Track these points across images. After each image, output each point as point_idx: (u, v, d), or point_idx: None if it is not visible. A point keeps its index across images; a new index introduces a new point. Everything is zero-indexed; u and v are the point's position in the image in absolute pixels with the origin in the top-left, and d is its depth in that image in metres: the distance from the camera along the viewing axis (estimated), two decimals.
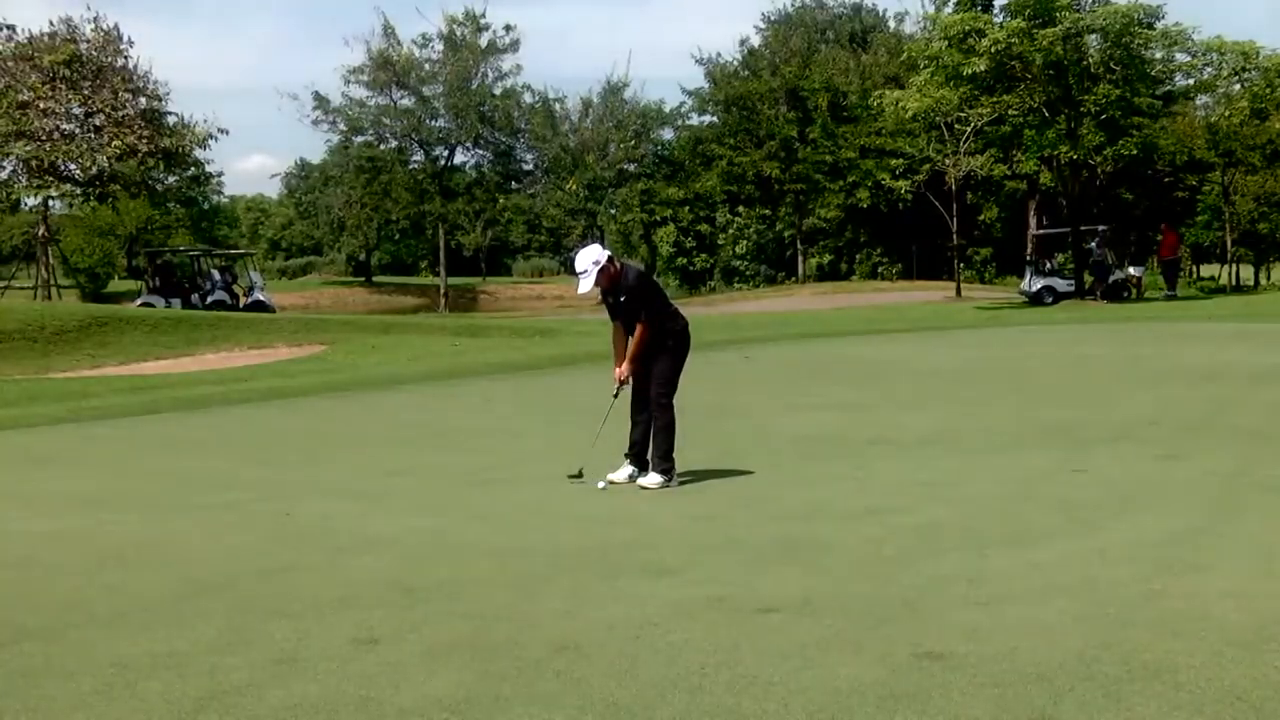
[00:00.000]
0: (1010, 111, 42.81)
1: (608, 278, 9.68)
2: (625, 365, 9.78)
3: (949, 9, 43.66)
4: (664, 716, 4.70)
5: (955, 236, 53.69)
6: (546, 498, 9.43)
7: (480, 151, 74.42)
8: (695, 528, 8.24)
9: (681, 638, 5.68)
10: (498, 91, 72.16)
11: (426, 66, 71.14)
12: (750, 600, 6.27)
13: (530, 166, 77.40)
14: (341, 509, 9.17)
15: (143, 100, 61.86)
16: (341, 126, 72.99)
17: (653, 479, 9.63)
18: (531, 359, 22.71)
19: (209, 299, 43.26)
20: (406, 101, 71.39)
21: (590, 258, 9.64)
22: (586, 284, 9.67)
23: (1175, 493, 9.03)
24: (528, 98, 74.39)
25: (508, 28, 71.08)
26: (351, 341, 27.77)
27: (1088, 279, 41.85)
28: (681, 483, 9.72)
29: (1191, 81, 49.44)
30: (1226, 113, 55.97)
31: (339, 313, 54.66)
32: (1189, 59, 44.41)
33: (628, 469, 9.80)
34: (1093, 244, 42.55)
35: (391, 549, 7.73)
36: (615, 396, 9.91)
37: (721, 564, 7.13)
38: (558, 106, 75.88)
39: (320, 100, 71.16)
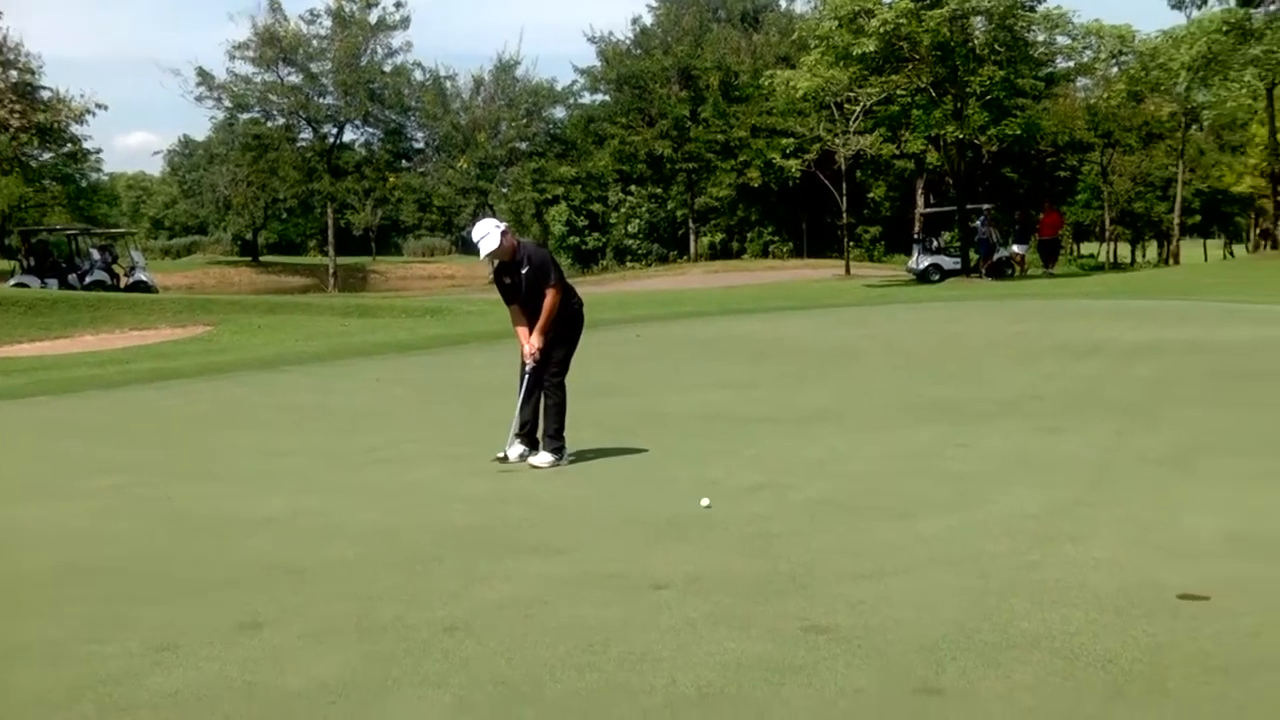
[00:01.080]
0: (898, 91, 43.30)
1: (508, 251, 9.60)
2: (536, 337, 9.65)
3: None
4: (553, 694, 4.70)
5: (845, 215, 54.25)
6: (436, 478, 9.36)
7: (370, 129, 73.69)
8: (586, 506, 8.24)
9: (571, 615, 5.68)
10: (387, 69, 71.47)
11: (314, 43, 70.16)
12: (640, 577, 6.28)
13: (421, 145, 76.85)
14: (225, 491, 9.02)
15: (13, 74, 60.23)
16: (227, 103, 71.80)
17: (544, 458, 9.60)
18: (422, 339, 22.53)
19: (87, 279, 42.32)
20: (294, 78, 70.34)
21: (491, 223, 9.65)
22: (492, 242, 9.48)
23: (1054, 466, 9.20)
24: (418, 75, 73.86)
25: (398, 4, 70.32)
26: (237, 322, 27.33)
27: (973, 257, 42.55)
28: (572, 461, 9.71)
29: (1072, 64, 50.51)
30: (1105, 95, 57.25)
31: (224, 293, 53.88)
32: (1069, 42, 45.39)
33: (519, 448, 9.76)
34: (978, 222, 43.23)
35: (276, 531, 7.63)
36: (527, 373, 9.77)
37: (612, 542, 7.15)
38: (449, 84, 75.42)
39: (204, 76, 69.94)
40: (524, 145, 73.49)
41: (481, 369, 16.87)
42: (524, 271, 9.66)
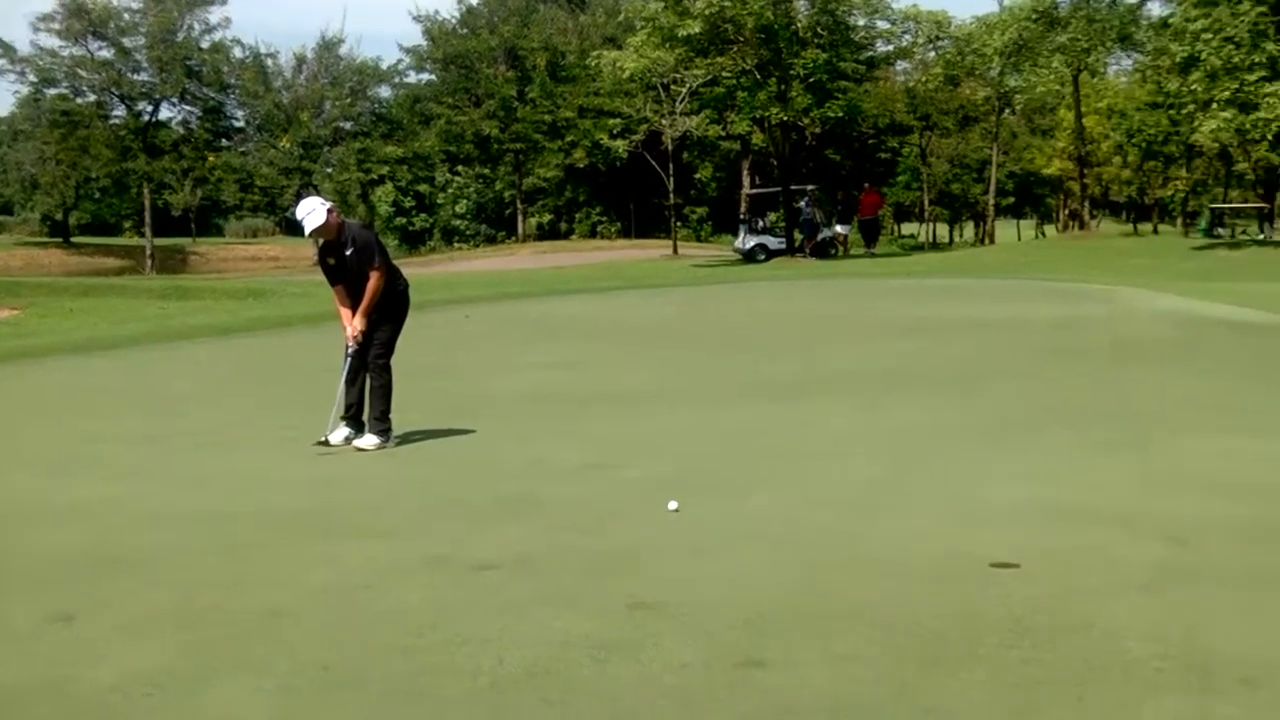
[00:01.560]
0: (724, 73, 43.70)
1: (333, 229, 9.44)
2: (359, 320, 9.52)
3: None
4: (378, 677, 4.65)
5: (672, 195, 54.54)
6: (259, 462, 9.18)
7: (188, 107, 71.38)
8: (413, 489, 8.16)
9: (398, 599, 5.63)
10: (205, 45, 69.42)
11: (126, 16, 67.75)
12: (468, 559, 6.25)
13: (241, 123, 74.80)
14: (34, 481, 8.68)
15: None
16: (31, 77, 68.95)
17: (369, 440, 9.49)
18: (245, 321, 22.02)
19: None
20: (105, 53, 67.91)
21: (316, 201, 9.52)
22: (317, 219, 9.28)
23: (875, 441, 9.43)
24: (238, 52, 71.83)
25: None
26: (47, 305, 26.37)
27: (798, 237, 43.19)
28: (398, 444, 9.61)
29: (891, 48, 51.61)
30: (923, 79, 58.68)
31: (33, 275, 51.88)
32: (889, 26, 46.44)
33: (344, 431, 9.63)
34: (802, 203, 43.89)
35: (90, 520, 7.38)
36: (349, 355, 9.61)
37: (439, 524, 7.10)
38: (270, 62, 73.56)
39: (6, 48, 67.08)
40: (348, 125, 72.30)
41: (306, 351, 16.58)
42: (348, 252, 9.50)
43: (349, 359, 9.63)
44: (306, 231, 9.47)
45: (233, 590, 5.81)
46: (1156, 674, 4.48)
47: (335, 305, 9.93)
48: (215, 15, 69.20)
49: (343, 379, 9.64)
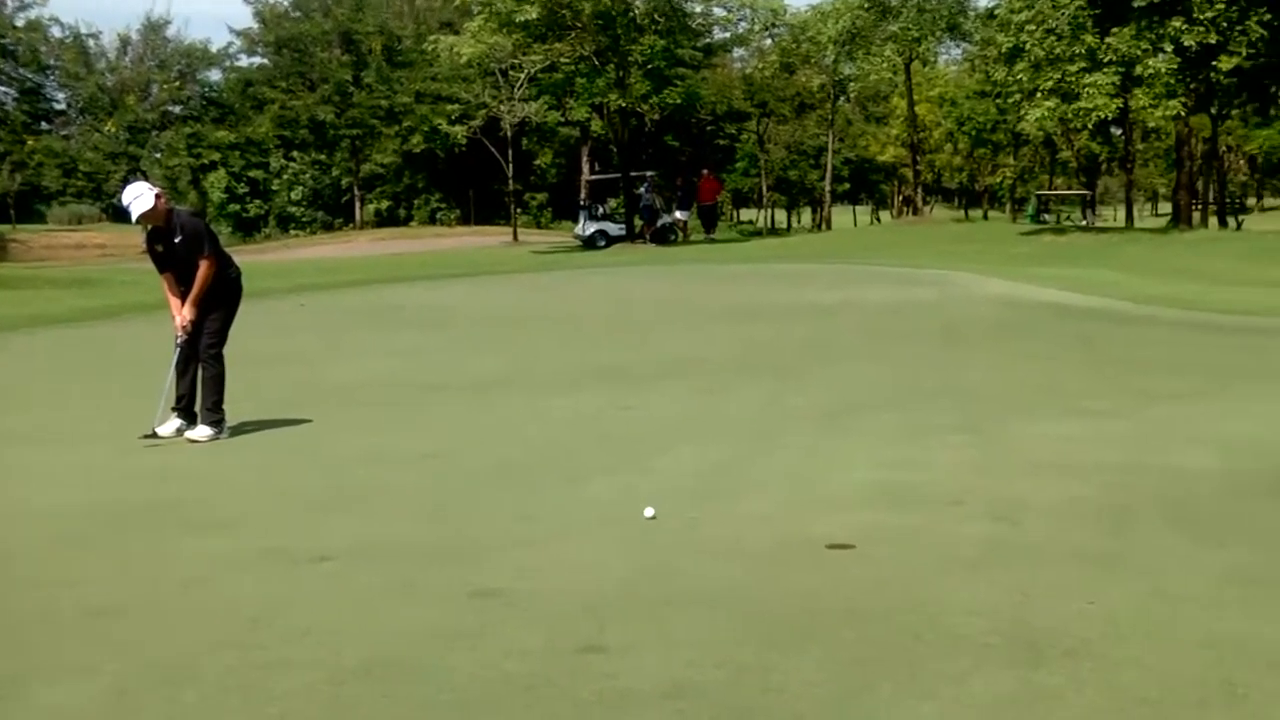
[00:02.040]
0: (562, 59, 43.63)
1: (160, 215, 9.21)
2: (188, 309, 9.31)
3: None
4: (212, 673, 4.56)
5: (512, 182, 54.33)
6: (87, 456, 8.90)
7: (2, 88, 68.84)
8: (249, 480, 8.01)
9: (233, 592, 5.53)
10: (20, 23, 66.86)
11: None
12: (306, 550, 6.16)
13: (63, 106, 72.40)
14: None
15: None
16: None
17: (203, 431, 9.29)
18: (72, 311, 21.30)
19: None
20: None
21: (143, 186, 9.33)
22: (145, 204, 9.07)
23: (716, 426, 9.53)
24: (56, 31, 69.32)
25: None
26: None
27: (638, 223, 43.36)
28: (233, 435, 9.43)
29: (728, 35, 52.19)
30: (760, 66, 59.44)
31: None
32: (725, 14, 46.85)
33: (175, 422, 9.40)
34: (642, 189, 44.07)
35: None
36: (179, 345, 9.38)
37: (276, 515, 6.98)
38: (92, 43, 71.31)
39: None
40: (177, 109, 70.43)
41: (137, 341, 16.13)
42: (176, 240, 9.29)
43: (179, 349, 9.40)
44: (134, 217, 9.24)
45: (59, 588, 5.63)
46: (985, 648, 4.61)
47: (164, 294, 9.67)
48: None
49: (172, 369, 9.42)
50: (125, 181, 53.59)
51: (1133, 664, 4.42)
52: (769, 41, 54.86)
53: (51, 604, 5.41)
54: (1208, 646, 4.58)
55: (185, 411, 9.43)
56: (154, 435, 9.25)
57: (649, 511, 6.58)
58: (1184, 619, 4.91)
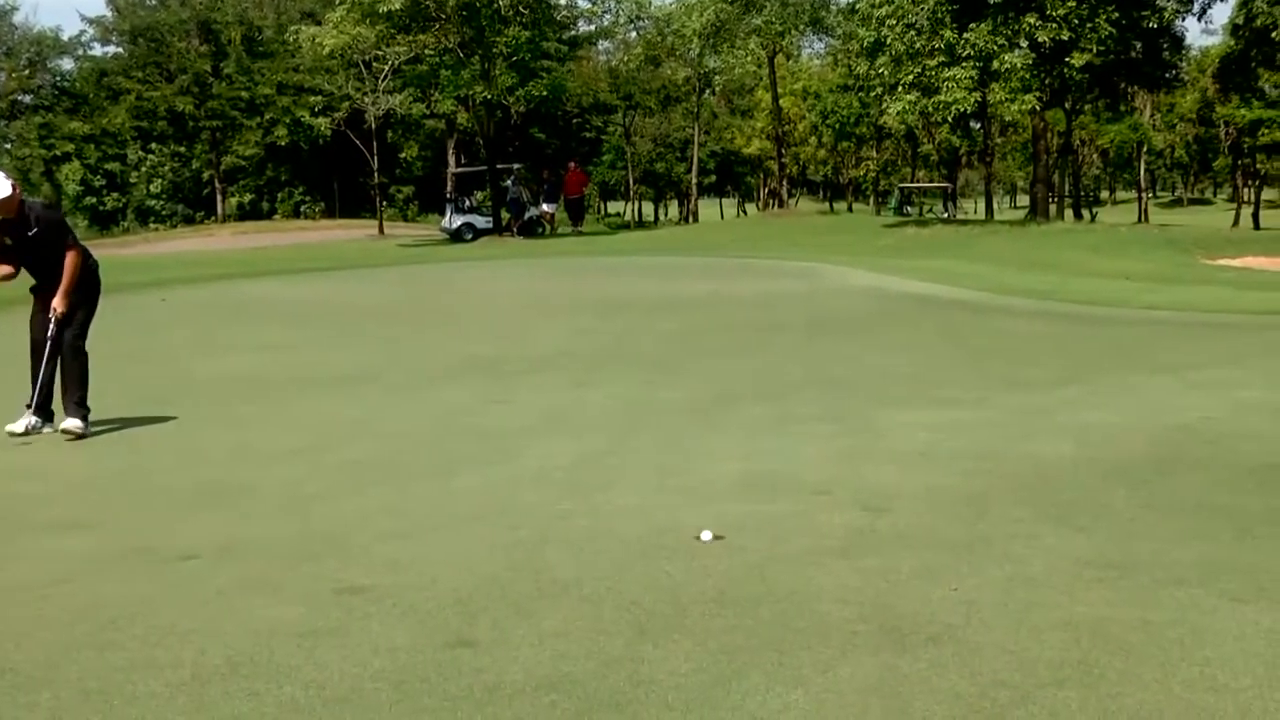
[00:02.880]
0: (427, 51, 43.36)
1: (13, 206, 8.88)
2: (60, 301, 9.06)
3: None
4: (70, 676, 4.44)
5: (377, 175, 53.78)
6: None
7: None
8: (111, 478, 7.82)
9: (93, 593, 5.39)
10: None
11: None
12: (169, 549, 6.03)
13: None
14: None
15: None
16: None
17: (73, 423, 9.04)
18: None
19: None
20: None
21: None
22: (3, 192, 8.73)
23: (585, 419, 9.54)
24: None
25: None
26: None
27: (505, 216, 43.23)
28: (96, 431, 9.20)
29: (593, 27, 52.23)
30: (625, 58, 59.59)
31: None
32: (590, 6, 47.01)
33: (28, 419, 9.14)
34: (509, 182, 43.95)
35: None
36: (51, 338, 9.10)
37: (139, 514, 6.82)
38: None
39: None
40: (28, 98, 68.15)
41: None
42: (31, 232, 9.01)
43: (50, 342, 9.13)
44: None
45: None
46: (852, 635, 4.67)
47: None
48: None
49: (43, 365, 9.16)
50: None
51: (994, 648, 4.51)
52: (634, 34, 55.12)
53: None
54: (1066, 629, 4.69)
55: (41, 409, 9.17)
56: (22, 432, 9.01)
57: (706, 535, 6.02)
58: (1043, 603, 5.00)
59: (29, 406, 9.17)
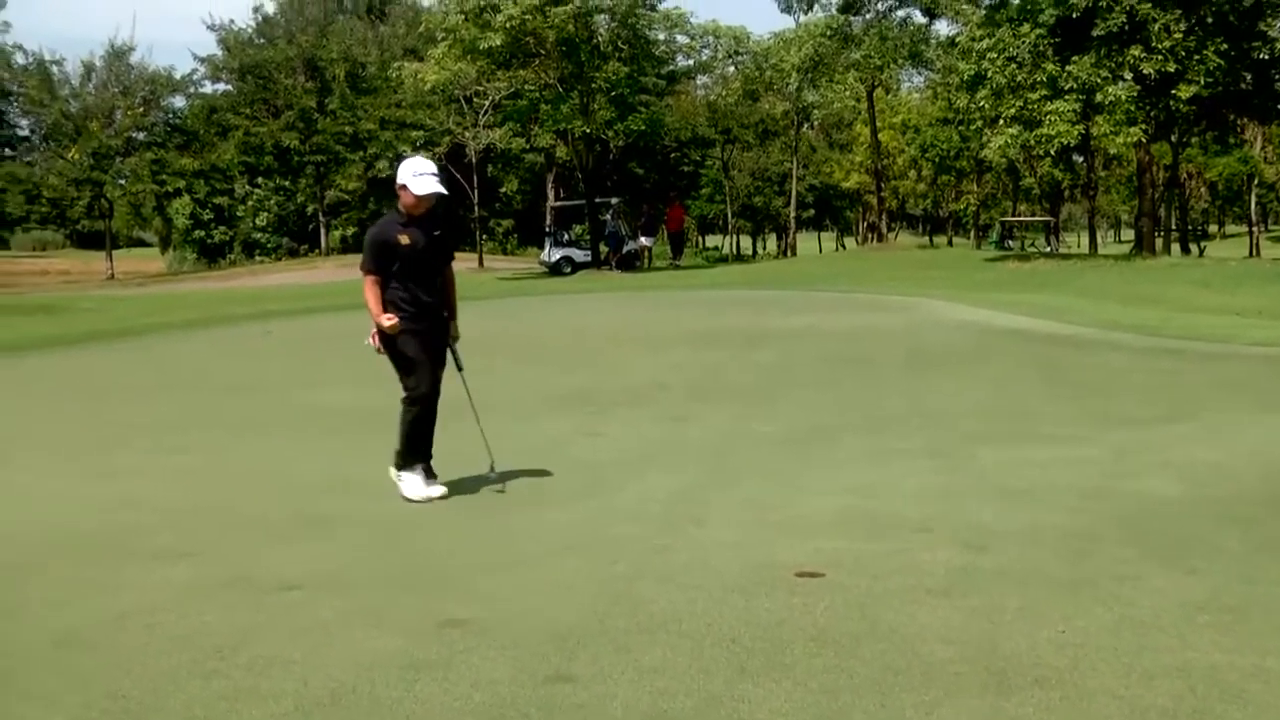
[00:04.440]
0: (526, 86, 43.72)
1: (422, 201, 7.87)
2: (454, 323, 8.26)
3: None
4: (177, 705, 4.50)
5: (477, 208, 54.30)
6: (47, 482, 8.80)
7: None
8: (213, 508, 7.92)
9: (197, 622, 5.46)
10: None
11: None
12: (270, 579, 6.10)
13: (26, 132, 71.41)
14: None
15: None
16: None
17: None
18: (31, 337, 21.14)
19: None
20: None
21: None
22: (436, 184, 7.86)
23: (680, 452, 9.50)
24: (20, 58, 68.51)
25: None
26: None
27: (603, 250, 43.40)
28: (197, 461, 9.31)
29: (691, 62, 52.30)
30: (723, 93, 59.62)
31: None
32: (688, 41, 47.02)
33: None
34: (607, 216, 44.14)
35: None
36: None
37: (241, 543, 6.91)
38: (56, 69, 70.36)
39: None
40: (141, 135, 69.62)
41: (99, 369, 15.98)
42: (436, 234, 8.03)
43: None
44: (424, 191, 7.87)
45: (16, 617, 5.55)
46: (955, 677, 4.59)
47: (370, 301, 8.04)
48: None
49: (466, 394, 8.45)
50: (89, 209, 52.02)
51: (1104, 693, 4.41)
52: (732, 69, 55.08)
53: (9, 634, 5.33)
54: (1178, 675, 4.58)
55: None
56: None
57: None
58: (1154, 647, 4.89)
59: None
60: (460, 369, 8.28)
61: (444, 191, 7.81)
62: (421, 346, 8.07)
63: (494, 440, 10.23)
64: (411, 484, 7.97)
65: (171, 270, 70.14)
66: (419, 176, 7.83)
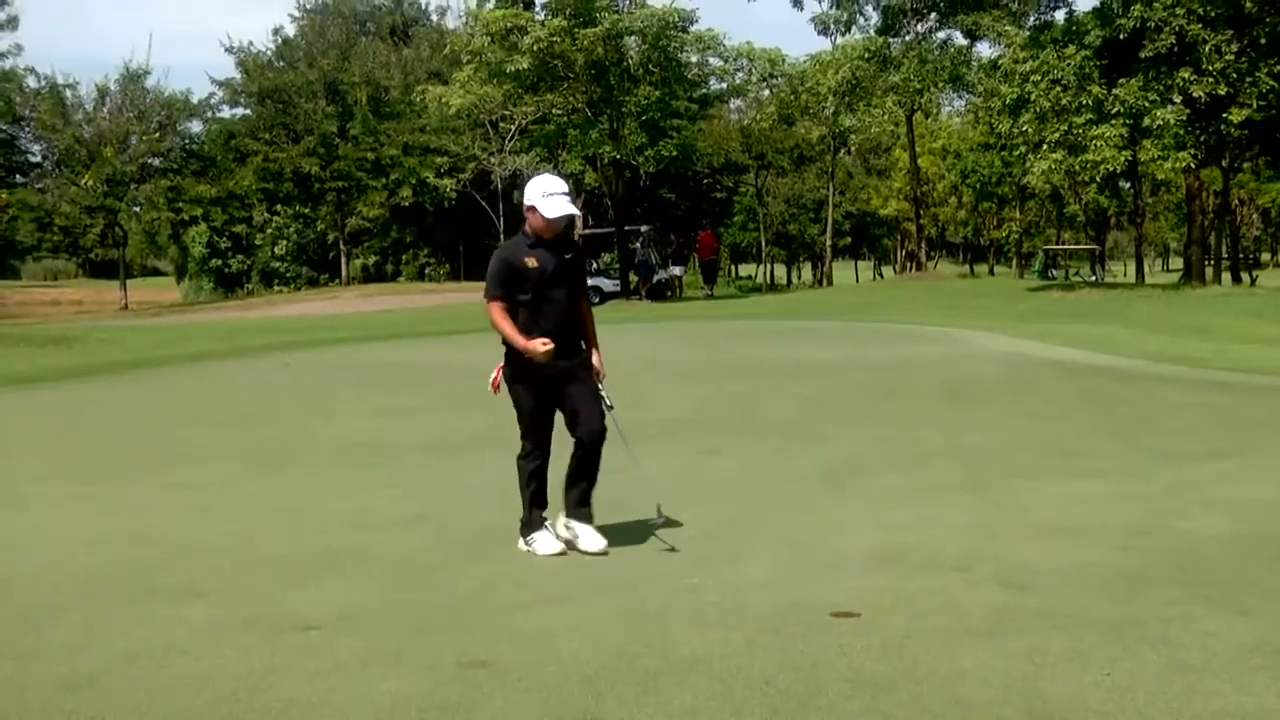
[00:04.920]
0: (554, 110, 43.70)
1: (553, 225, 7.23)
2: (598, 356, 7.67)
3: (490, 4, 44.02)
4: None
5: (503, 236, 54.31)
6: (58, 519, 8.61)
7: None
8: (228, 545, 7.73)
9: (213, 663, 5.30)
10: None
11: None
12: (288, 618, 5.94)
13: (38, 158, 70.64)
14: None
15: None
16: None
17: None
18: (42, 370, 20.92)
19: None
20: None
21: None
22: (568, 205, 7.28)
23: (713, 487, 9.33)
24: (32, 82, 67.99)
25: (3, 2, 64.53)
26: None
27: (633, 279, 43.30)
28: (213, 496, 9.14)
29: (725, 86, 52.13)
30: (758, 117, 59.31)
31: None
32: (721, 64, 46.73)
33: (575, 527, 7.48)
34: (637, 244, 44.07)
35: None
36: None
37: (257, 582, 6.73)
38: (69, 93, 69.69)
39: None
40: (157, 161, 68.87)
41: (112, 402, 15.84)
42: (568, 257, 7.35)
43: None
44: (554, 215, 7.19)
45: (28, 660, 5.39)
46: None
47: (502, 325, 7.28)
48: (4, 42, 65.84)
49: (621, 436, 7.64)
50: (103, 237, 51.19)
51: None
52: (767, 92, 54.80)
53: (21, 677, 5.17)
54: None
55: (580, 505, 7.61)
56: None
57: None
58: (1204, 691, 4.72)
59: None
60: (610, 408, 7.50)
61: (577, 213, 7.36)
62: (538, 404, 7.35)
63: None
64: (544, 543, 7.27)
65: (187, 300, 69.81)
66: (549, 197, 7.16)
